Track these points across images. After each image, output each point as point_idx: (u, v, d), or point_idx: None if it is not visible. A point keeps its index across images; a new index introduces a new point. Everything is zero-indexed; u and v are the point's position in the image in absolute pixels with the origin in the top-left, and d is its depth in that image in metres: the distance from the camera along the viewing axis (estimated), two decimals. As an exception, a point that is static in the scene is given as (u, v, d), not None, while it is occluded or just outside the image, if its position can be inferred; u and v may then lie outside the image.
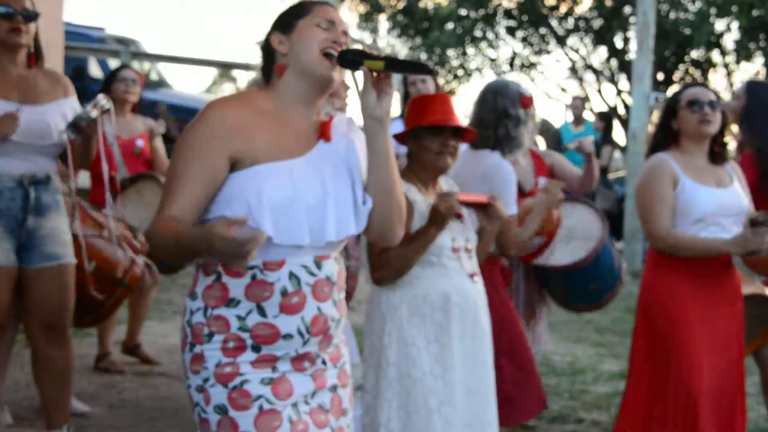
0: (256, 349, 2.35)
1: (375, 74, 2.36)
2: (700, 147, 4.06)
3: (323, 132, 2.44)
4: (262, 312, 2.34)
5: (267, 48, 2.44)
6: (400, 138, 3.54)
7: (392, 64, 2.35)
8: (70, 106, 4.01)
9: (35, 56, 4.00)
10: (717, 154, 4.08)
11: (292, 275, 2.35)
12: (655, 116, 15.33)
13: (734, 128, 4.16)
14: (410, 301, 3.42)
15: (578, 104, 12.19)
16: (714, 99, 4.02)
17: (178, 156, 2.32)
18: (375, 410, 3.41)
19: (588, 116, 13.17)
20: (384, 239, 2.53)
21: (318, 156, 2.41)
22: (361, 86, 2.40)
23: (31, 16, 3.91)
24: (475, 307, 3.49)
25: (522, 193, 4.44)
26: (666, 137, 4.09)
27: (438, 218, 3.37)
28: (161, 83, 12.46)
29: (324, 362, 2.45)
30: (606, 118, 12.47)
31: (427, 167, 3.49)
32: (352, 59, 2.37)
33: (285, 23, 2.42)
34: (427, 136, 3.45)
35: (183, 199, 2.28)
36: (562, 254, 4.59)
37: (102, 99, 3.97)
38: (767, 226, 3.82)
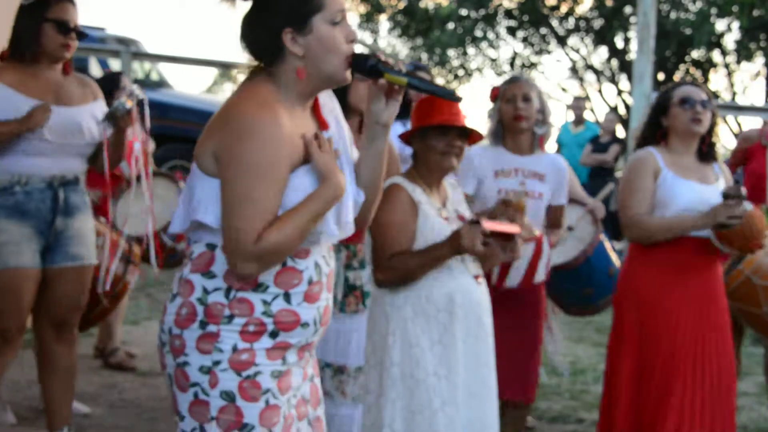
0: (273, 335, 2.34)
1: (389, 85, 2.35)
2: (687, 145, 4.08)
3: (320, 122, 2.45)
4: (287, 299, 2.34)
5: (275, 41, 2.33)
6: (405, 138, 3.54)
7: (416, 84, 2.34)
8: (99, 109, 4.11)
9: (69, 63, 4.08)
10: (705, 153, 4.10)
11: (316, 265, 2.39)
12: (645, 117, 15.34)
13: (720, 129, 4.17)
14: (414, 302, 3.42)
15: (579, 105, 12.23)
16: (705, 98, 4.04)
17: (244, 176, 2.24)
18: (378, 410, 3.41)
19: (588, 116, 13.21)
20: (357, 225, 2.53)
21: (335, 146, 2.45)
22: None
23: (83, 36, 4.01)
24: (478, 308, 3.49)
25: None
26: (654, 134, 4.12)
27: (457, 247, 3.35)
28: (162, 83, 12.44)
29: (312, 353, 2.50)
30: (617, 118, 12.50)
31: (432, 168, 3.49)
32: (372, 68, 2.34)
33: (299, 20, 2.32)
34: (433, 136, 3.44)
35: (266, 221, 2.25)
36: (554, 254, 4.58)
37: (136, 89, 4.04)
38: (739, 199, 3.86)
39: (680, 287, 4.00)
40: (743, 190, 3.93)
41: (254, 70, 2.39)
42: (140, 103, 4.02)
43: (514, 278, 4.13)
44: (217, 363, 2.31)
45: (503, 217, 3.78)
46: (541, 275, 4.18)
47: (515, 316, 4.18)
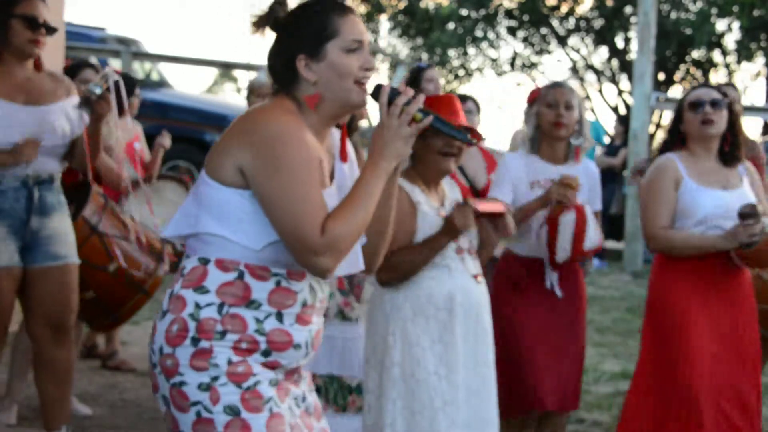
0: (266, 353, 2.32)
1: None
2: (706, 148, 4.03)
3: (342, 152, 2.46)
4: (280, 318, 2.33)
5: (288, 68, 2.35)
6: None
7: (437, 126, 2.33)
8: (72, 106, 4.02)
9: (39, 59, 4.02)
10: (727, 154, 4.04)
11: (311, 288, 2.38)
12: (656, 116, 15.37)
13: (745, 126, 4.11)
14: (414, 302, 3.42)
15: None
16: (718, 97, 3.98)
17: (288, 179, 2.24)
18: (378, 410, 3.41)
19: (589, 116, 13.30)
20: (367, 268, 2.52)
21: (339, 178, 2.45)
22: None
23: (52, 31, 3.95)
24: (477, 307, 3.50)
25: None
26: (673, 140, 4.08)
27: (452, 229, 3.37)
28: (162, 83, 12.44)
29: (304, 376, 2.49)
30: (624, 121, 12.58)
31: (430, 168, 3.49)
32: (392, 100, 2.32)
33: (312, 47, 2.33)
34: (432, 136, 3.43)
35: (323, 214, 2.25)
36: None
37: (109, 70, 3.94)
38: (756, 217, 3.81)
39: (708, 296, 3.96)
40: (760, 208, 3.86)
41: (276, 92, 2.40)
42: (116, 86, 3.87)
43: (562, 253, 4.04)
44: (215, 378, 2.28)
45: (560, 197, 3.87)
46: (591, 242, 4.06)
47: (563, 320, 4.14)
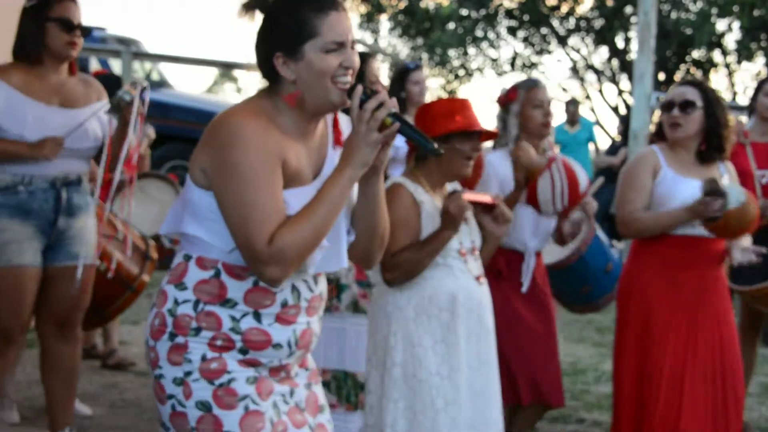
0: (243, 351, 2.31)
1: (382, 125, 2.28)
2: (683, 145, 4.04)
3: (336, 138, 2.42)
4: (257, 318, 2.31)
5: (268, 63, 2.31)
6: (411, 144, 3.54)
7: (403, 130, 2.27)
8: (103, 110, 4.10)
9: (74, 63, 4.08)
10: (704, 154, 4.03)
11: (294, 289, 2.35)
12: (656, 116, 15.38)
13: (732, 126, 4.08)
14: (417, 302, 3.42)
15: (570, 108, 12.43)
16: (691, 99, 3.96)
17: (241, 183, 2.19)
18: (379, 410, 3.41)
19: (589, 116, 13.35)
20: (363, 263, 2.51)
21: (328, 172, 2.37)
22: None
23: (87, 32, 4.01)
24: (480, 307, 3.50)
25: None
26: (660, 134, 4.11)
27: (450, 220, 3.37)
28: (162, 83, 12.45)
29: (296, 372, 2.45)
30: (625, 121, 12.62)
31: (451, 171, 3.49)
32: (361, 103, 2.26)
33: (290, 46, 2.28)
34: (458, 140, 3.45)
35: (275, 223, 2.20)
36: (547, 253, 4.57)
37: (139, 78, 4.03)
38: (717, 194, 3.81)
39: (681, 283, 3.99)
40: (722, 183, 3.86)
41: (263, 88, 2.38)
42: (142, 92, 3.98)
43: (559, 201, 4.08)
44: (188, 373, 2.28)
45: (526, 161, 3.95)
46: (584, 181, 4.13)
47: (519, 316, 4.18)
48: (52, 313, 4.09)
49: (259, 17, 2.34)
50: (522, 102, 4.23)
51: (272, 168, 2.23)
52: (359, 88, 2.27)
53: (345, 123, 2.47)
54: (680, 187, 3.96)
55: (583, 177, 4.13)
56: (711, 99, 3.99)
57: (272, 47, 2.30)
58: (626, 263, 4.19)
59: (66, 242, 4.03)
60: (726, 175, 4.11)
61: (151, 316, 2.35)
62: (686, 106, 3.96)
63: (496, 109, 4.38)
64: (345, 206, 2.35)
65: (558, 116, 12.66)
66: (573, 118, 12.23)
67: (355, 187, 2.40)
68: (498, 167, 4.18)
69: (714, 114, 3.98)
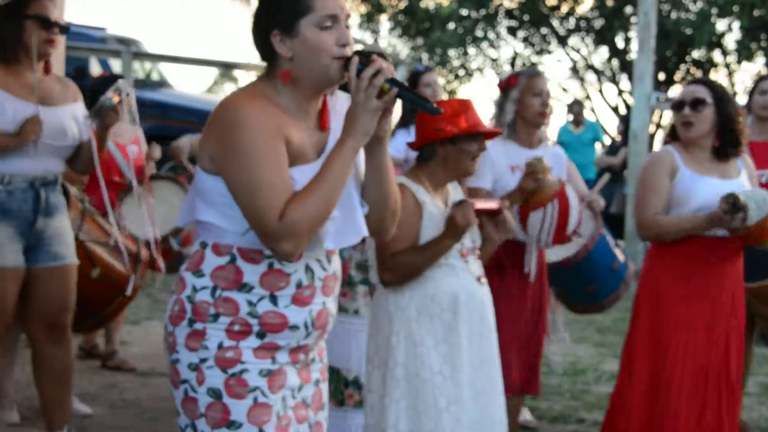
0: (260, 335, 2.35)
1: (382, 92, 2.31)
2: (697, 144, 4.03)
3: (322, 121, 2.44)
4: (273, 300, 2.35)
5: (266, 43, 2.36)
6: (417, 144, 3.54)
7: (401, 94, 2.29)
8: (80, 110, 4.10)
9: (49, 62, 4.07)
10: (719, 150, 4.02)
11: (308, 268, 2.39)
12: (656, 116, 15.38)
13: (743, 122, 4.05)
14: (419, 302, 3.42)
15: (576, 108, 12.44)
16: (701, 97, 3.95)
17: (246, 163, 2.24)
18: (381, 411, 3.41)
19: (589, 116, 13.40)
20: (377, 236, 2.54)
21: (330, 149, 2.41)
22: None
23: (65, 30, 4.00)
24: (481, 306, 3.51)
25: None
26: (672, 133, 4.10)
27: (455, 230, 3.38)
28: (162, 83, 12.45)
29: (313, 357, 2.49)
30: (625, 121, 12.66)
31: (456, 171, 3.50)
32: (358, 73, 2.29)
33: (286, 23, 2.33)
34: (465, 141, 3.45)
35: (283, 198, 2.24)
36: (554, 250, 4.55)
37: (122, 83, 4.03)
38: (736, 209, 3.78)
39: (698, 285, 3.97)
40: (741, 198, 3.81)
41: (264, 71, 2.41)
42: (128, 97, 4.01)
43: (544, 237, 4.07)
44: (203, 360, 2.33)
45: (534, 184, 3.94)
46: (573, 223, 4.08)
47: (519, 308, 4.19)
48: (40, 314, 4.06)
49: (254, 3, 2.39)
50: (522, 89, 4.26)
51: (276, 146, 2.28)
52: (355, 58, 2.30)
53: (344, 100, 2.49)
54: (698, 185, 3.94)
55: (574, 217, 4.08)
56: (721, 95, 3.99)
57: (269, 25, 2.35)
58: (645, 264, 4.16)
59: (46, 242, 4.01)
60: (744, 171, 4.08)
61: (171, 303, 2.40)
62: (697, 104, 3.96)
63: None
64: (354, 178, 2.40)
65: (560, 117, 12.73)
66: (578, 118, 12.26)
67: (363, 159, 2.44)
68: (491, 154, 4.15)
69: (725, 110, 3.98)
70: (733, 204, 3.79)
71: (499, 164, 4.20)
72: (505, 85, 4.31)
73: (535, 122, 4.27)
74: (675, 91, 17.39)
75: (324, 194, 2.26)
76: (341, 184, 2.29)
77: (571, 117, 12.36)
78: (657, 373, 3.98)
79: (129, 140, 5.70)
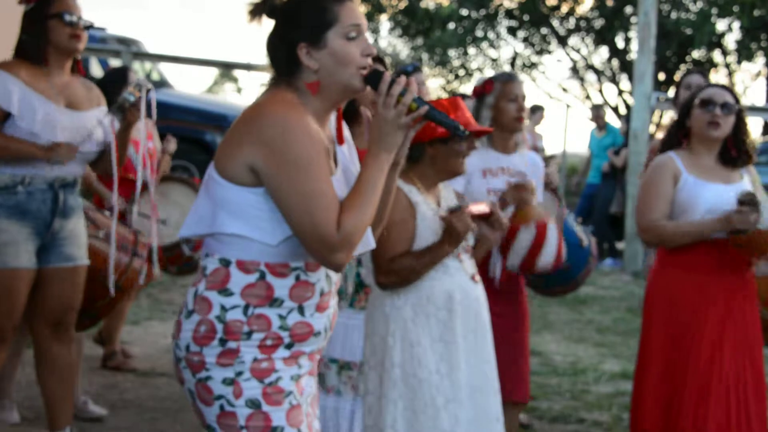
0: (289, 346, 2.39)
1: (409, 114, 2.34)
2: (708, 147, 4.02)
3: (338, 135, 2.48)
4: (301, 311, 2.39)
5: (291, 56, 2.37)
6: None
7: (432, 115, 2.33)
8: (103, 114, 4.12)
9: (80, 63, 4.10)
10: (730, 158, 4.02)
11: (327, 276, 2.44)
12: (657, 116, 15.38)
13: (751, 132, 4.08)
14: (414, 302, 3.42)
15: (598, 113, 12.54)
16: (730, 101, 3.97)
17: (301, 173, 2.26)
18: (379, 412, 3.41)
19: (612, 120, 13.49)
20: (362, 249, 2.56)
21: (342, 162, 2.47)
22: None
23: (89, 25, 4.02)
24: (476, 304, 3.51)
25: None
26: (678, 134, 4.08)
27: (455, 237, 3.38)
28: (162, 83, 12.45)
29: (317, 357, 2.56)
30: (629, 121, 12.72)
31: (446, 170, 3.49)
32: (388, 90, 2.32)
33: (313, 35, 2.36)
34: (455, 140, 3.45)
35: (337, 208, 2.28)
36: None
37: (143, 80, 4.06)
38: (753, 206, 3.80)
39: (708, 287, 3.95)
40: (758, 197, 3.85)
41: (274, 80, 2.42)
42: (147, 93, 4.04)
43: (513, 261, 4.07)
44: (239, 374, 2.35)
45: (517, 201, 3.99)
46: (545, 262, 4.08)
47: (499, 313, 4.15)
48: (46, 314, 4.08)
49: (267, 21, 2.41)
50: (497, 95, 4.24)
51: (325, 156, 2.33)
52: (387, 75, 2.34)
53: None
54: (703, 191, 3.93)
55: (548, 255, 4.06)
56: (740, 106, 4.03)
57: (295, 38, 2.37)
58: (653, 268, 4.15)
59: (59, 243, 4.03)
60: (746, 176, 4.08)
61: (193, 323, 2.38)
62: (726, 107, 3.96)
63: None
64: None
65: (559, 116, 12.79)
66: (600, 123, 12.32)
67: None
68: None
69: (742, 119, 4.03)
70: (751, 201, 3.79)
71: (471, 166, 4.14)
72: (480, 91, 4.30)
73: (512, 128, 4.25)
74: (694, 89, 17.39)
75: (370, 205, 2.31)
76: (379, 193, 2.35)
77: (595, 122, 12.43)
78: (676, 376, 3.96)
79: (143, 136, 5.71)
